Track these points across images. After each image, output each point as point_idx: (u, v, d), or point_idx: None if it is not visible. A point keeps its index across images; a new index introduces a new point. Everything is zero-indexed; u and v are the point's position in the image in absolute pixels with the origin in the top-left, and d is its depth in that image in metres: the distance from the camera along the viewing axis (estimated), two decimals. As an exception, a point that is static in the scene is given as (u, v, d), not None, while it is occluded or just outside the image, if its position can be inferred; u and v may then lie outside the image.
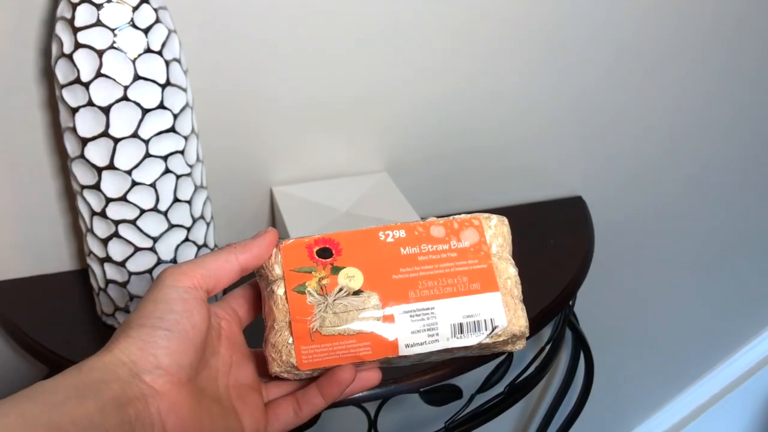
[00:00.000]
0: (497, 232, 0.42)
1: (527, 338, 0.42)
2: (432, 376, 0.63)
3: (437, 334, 0.39)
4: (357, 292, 0.39)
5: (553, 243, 0.80)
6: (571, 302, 0.84)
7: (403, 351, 0.39)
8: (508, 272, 0.41)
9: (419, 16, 0.71)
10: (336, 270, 0.40)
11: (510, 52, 0.76)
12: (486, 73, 0.77)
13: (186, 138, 0.59)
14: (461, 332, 0.39)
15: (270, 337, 0.39)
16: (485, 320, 0.40)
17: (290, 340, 0.38)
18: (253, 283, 0.43)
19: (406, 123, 0.77)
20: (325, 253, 0.40)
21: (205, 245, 0.65)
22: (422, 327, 0.39)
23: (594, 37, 0.78)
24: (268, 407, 0.41)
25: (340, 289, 0.39)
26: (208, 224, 0.65)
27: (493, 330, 0.40)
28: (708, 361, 1.20)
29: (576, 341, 0.90)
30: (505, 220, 0.42)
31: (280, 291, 0.39)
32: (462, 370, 0.64)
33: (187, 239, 0.62)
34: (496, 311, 0.40)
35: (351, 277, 0.39)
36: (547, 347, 0.81)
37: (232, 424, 0.38)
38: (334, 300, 0.39)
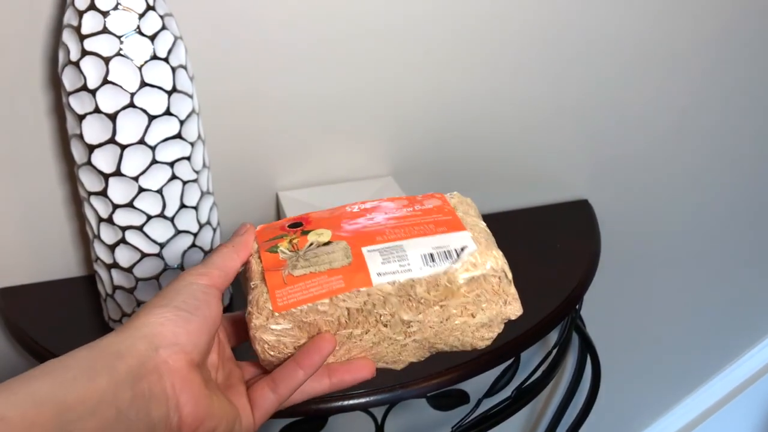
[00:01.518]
0: (460, 202, 0.44)
1: (521, 306, 0.42)
2: (439, 381, 0.63)
3: (408, 264, 0.39)
4: (326, 243, 0.41)
5: (559, 246, 0.79)
6: (577, 306, 0.84)
7: (376, 280, 0.39)
8: (478, 225, 0.42)
9: (427, 21, 0.71)
10: (306, 233, 0.42)
11: (516, 57, 0.76)
12: (491, 78, 0.77)
13: (192, 144, 0.59)
14: (432, 260, 0.40)
15: (249, 299, 0.40)
16: (455, 249, 0.40)
17: (265, 290, 0.39)
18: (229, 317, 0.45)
19: (412, 127, 0.77)
20: (295, 225, 0.42)
21: (211, 251, 0.65)
22: (393, 259, 0.40)
23: (600, 41, 0.78)
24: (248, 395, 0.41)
25: (311, 244, 0.41)
26: (214, 230, 0.65)
27: (462, 250, 0.40)
28: (714, 365, 1.20)
29: (583, 345, 0.89)
30: (469, 200, 0.44)
31: (255, 257, 0.41)
32: (469, 374, 0.64)
33: (193, 245, 0.62)
34: (466, 241, 0.40)
35: (320, 234, 0.41)
36: (554, 351, 0.81)
37: (233, 413, 0.39)
38: (305, 252, 0.40)
